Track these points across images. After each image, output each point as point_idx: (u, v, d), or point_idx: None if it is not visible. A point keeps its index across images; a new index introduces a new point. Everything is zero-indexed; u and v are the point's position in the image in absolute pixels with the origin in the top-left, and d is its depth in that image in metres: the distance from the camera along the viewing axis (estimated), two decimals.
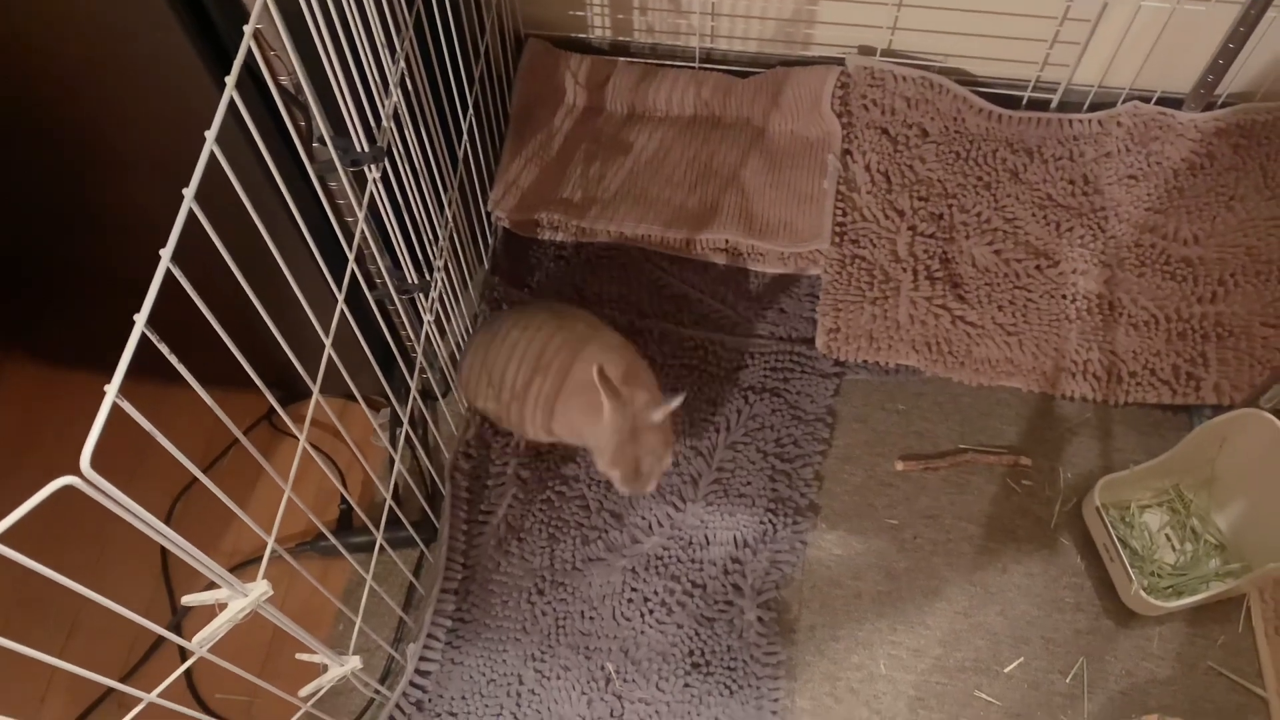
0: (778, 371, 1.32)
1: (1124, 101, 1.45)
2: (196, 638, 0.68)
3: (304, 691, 0.90)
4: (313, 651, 0.85)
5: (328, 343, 0.81)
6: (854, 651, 1.16)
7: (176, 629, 1.19)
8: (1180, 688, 1.12)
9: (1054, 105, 1.49)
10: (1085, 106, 1.48)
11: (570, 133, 1.51)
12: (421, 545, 1.20)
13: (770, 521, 1.22)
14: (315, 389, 0.82)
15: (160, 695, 0.67)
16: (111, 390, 0.49)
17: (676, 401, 1.04)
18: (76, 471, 0.48)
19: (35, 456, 1.31)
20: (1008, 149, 1.45)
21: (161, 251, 0.56)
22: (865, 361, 1.32)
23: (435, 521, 1.23)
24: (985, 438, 1.28)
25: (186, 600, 0.67)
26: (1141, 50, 1.40)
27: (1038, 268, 1.36)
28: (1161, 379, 1.27)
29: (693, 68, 1.54)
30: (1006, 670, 1.14)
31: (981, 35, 1.44)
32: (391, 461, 1.27)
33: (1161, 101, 1.45)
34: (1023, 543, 1.21)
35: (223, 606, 0.69)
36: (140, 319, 0.52)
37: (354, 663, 0.87)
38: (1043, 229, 1.39)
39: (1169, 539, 1.20)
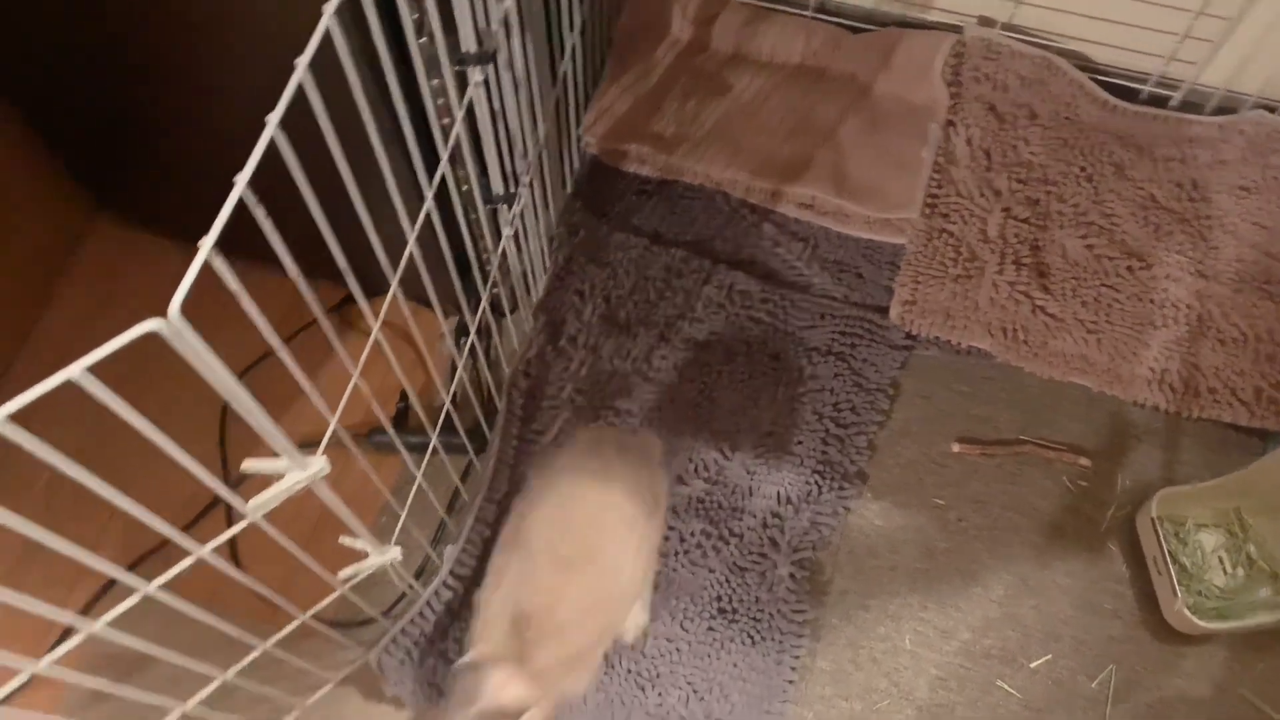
0: (846, 336, 1.30)
1: (1249, 109, 1.39)
2: (251, 503, 0.70)
3: (342, 574, 0.92)
4: (356, 536, 0.87)
5: (411, 239, 0.82)
6: (881, 622, 1.15)
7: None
8: (1208, 711, 1.10)
9: (1174, 104, 1.43)
10: (1207, 109, 1.42)
11: (671, 66, 1.49)
12: (472, 453, 1.21)
13: (816, 483, 1.21)
14: (395, 282, 0.82)
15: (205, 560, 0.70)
16: (207, 244, 0.50)
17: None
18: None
19: (114, 316, 1.35)
20: (1117, 142, 1.40)
21: (269, 117, 0.56)
22: (937, 338, 1.30)
23: (487, 433, 1.24)
24: (1047, 432, 1.26)
25: (246, 466, 0.69)
26: (1276, 57, 1.33)
27: (1129, 268, 1.32)
28: (1241, 399, 1.23)
29: (805, 16, 1.51)
30: (1033, 665, 1.13)
31: (1109, 20, 1.38)
32: (453, 369, 1.29)
33: None
34: (1069, 542, 1.19)
35: (278, 480, 0.71)
36: (241, 179, 0.53)
37: (395, 553, 0.89)
38: (1141, 229, 1.34)
39: (1221, 561, 1.17)
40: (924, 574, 1.18)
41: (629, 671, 1.13)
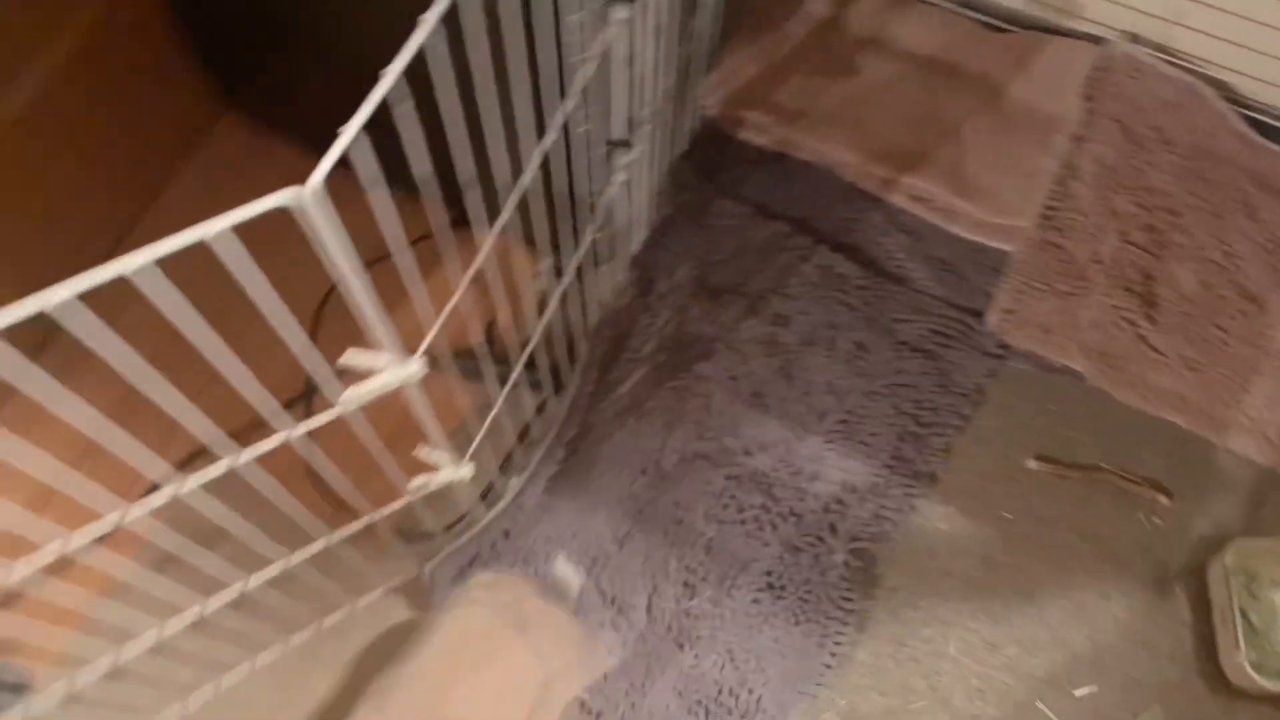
0: (938, 335, 1.28)
1: None
2: (345, 395, 0.72)
3: (413, 484, 0.94)
4: (433, 446, 0.89)
5: (529, 171, 0.83)
6: (928, 625, 1.14)
7: (310, 394, 1.26)
8: None
9: None
10: None
11: (803, 41, 1.47)
12: (549, 392, 1.23)
13: (885, 477, 1.20)
14: (509, 210, 0.83)
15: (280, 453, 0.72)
16: (352, 126, 0.51)
17: None
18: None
19: (229, 206, 1.39)
20: (1251, 181, 1.35)
21: (424, 16, 0.57)
22: (1032, 352, 1.27)
23: (564, 377, 1.25)
24: (1129, 464, 1.22)
25: (348, 357, 0.71)
26: None
27: (1242, 312, 1.27)
28: None
29: (946, 8, 1.48)
30: (1077, 693, 1.11)
31: (1264, 53, 1.32)
32: (542, 308, 1.30)
33: None
34: (1135, 578, 1.16)
35: (374, 378, 0.73)
36: (394, 69, 0.54)
37: (469, 470, 0.91)
38: (1261, 273, 1.29)
39: None
40: (980, 584, 1.16)
41: (668, 629, 1.13)
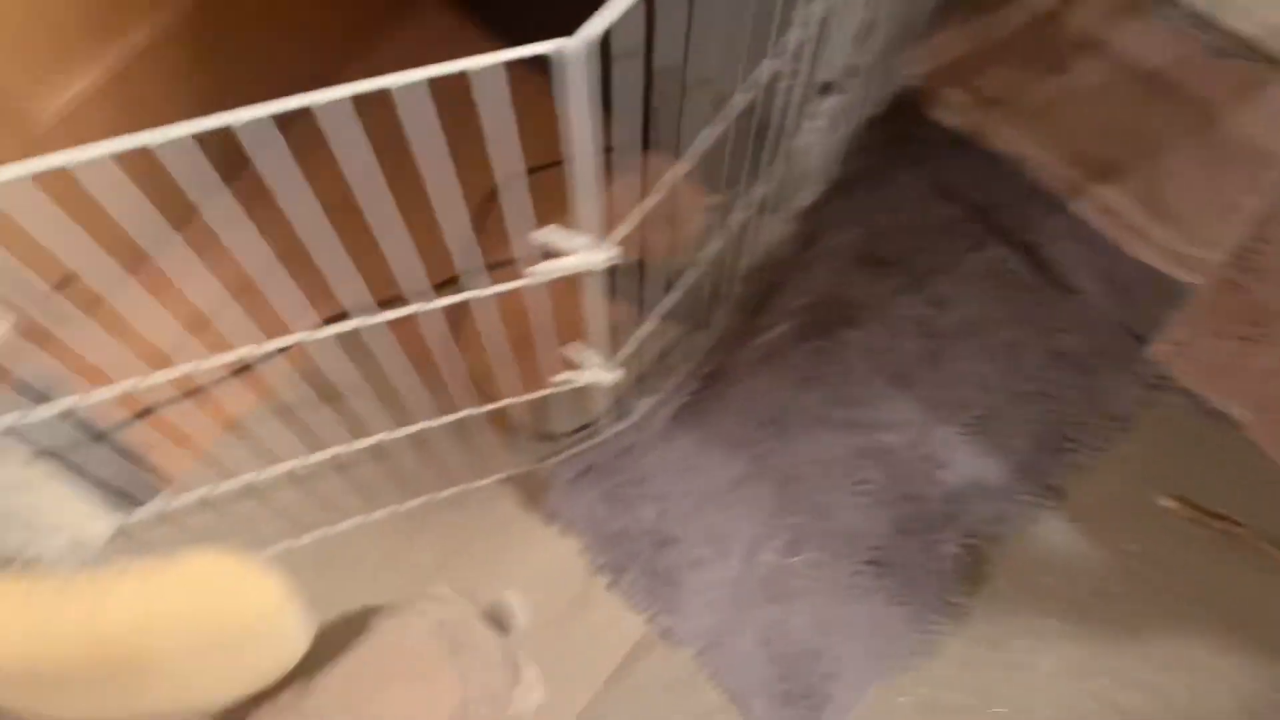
0: (1099, 355, 1.24)
1: None
2: (535, 267, 0.74)
3: (558, 377, 0.96)
4: (588, 344, 0.91)
5: (746, 88, 0.82)
6: (1025, 636, 1.12)
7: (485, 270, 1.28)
8: None
9: None
10: None
11: (1019, 29, 1.42)
12: (694, 324, 1.23)
13: (1015, 482, 1.17)
14: (718, 125, 0.83)
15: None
16: None
17: None
18: None
19: None
20: None
21: None
22: (1190, 390, 1.22)
23: (711, 313, 1.25)
24: (1270, 525, 1.17)
25: (545, 233, 0.72)
26: None
27: None
28: None
29: (1178, 25, 1.41)
30: None
31: None
32: (704, 242, 1.30)
33: None
34: (1251, 642, 1.12)
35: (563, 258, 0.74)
36: None
37: (616, 375, 0.92)
38: None
39: None
40: (1087, 609, 1.13)
41: (763, 581, 1.14)
